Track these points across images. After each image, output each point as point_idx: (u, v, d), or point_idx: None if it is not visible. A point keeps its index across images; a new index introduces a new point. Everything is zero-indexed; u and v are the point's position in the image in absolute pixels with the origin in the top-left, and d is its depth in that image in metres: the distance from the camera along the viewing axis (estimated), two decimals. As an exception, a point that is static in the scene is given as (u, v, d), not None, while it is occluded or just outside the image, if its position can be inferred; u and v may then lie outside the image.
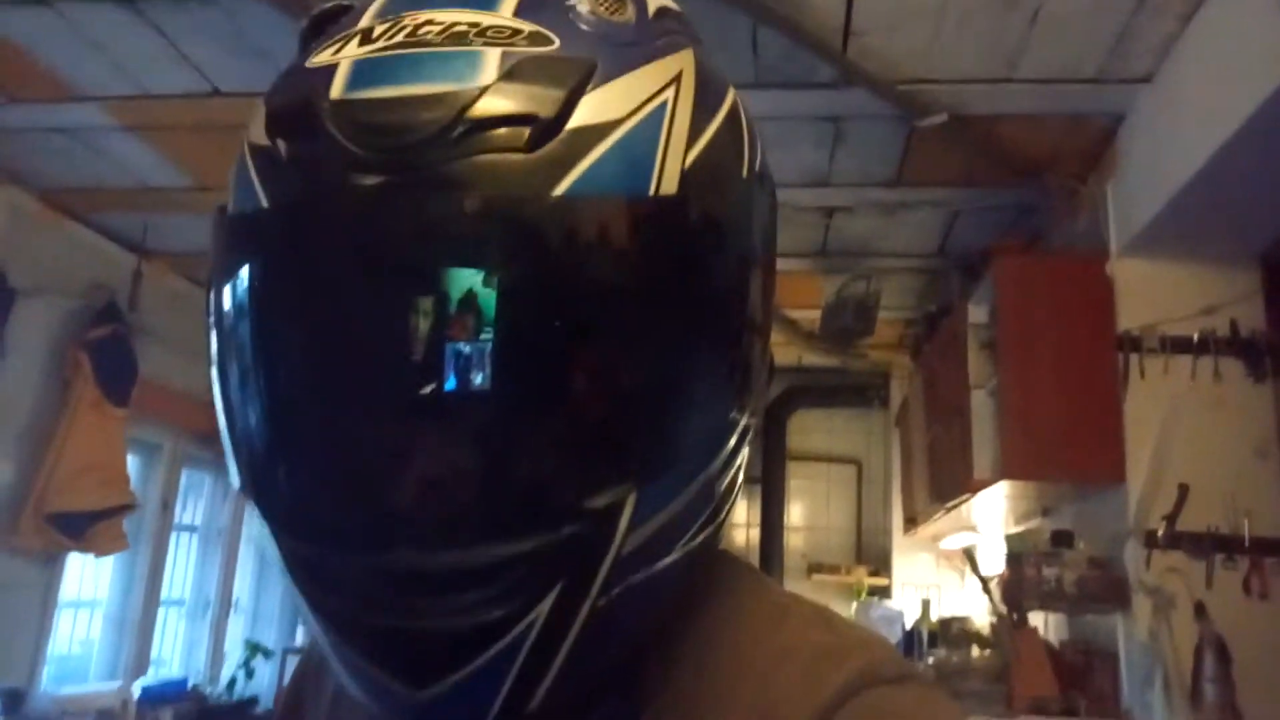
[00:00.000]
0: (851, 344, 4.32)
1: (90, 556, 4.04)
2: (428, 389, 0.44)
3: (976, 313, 3.34)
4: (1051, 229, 3.47)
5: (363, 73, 0.45)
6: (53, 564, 3.91)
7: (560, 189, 0.43)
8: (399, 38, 0.46)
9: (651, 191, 0.46)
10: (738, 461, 0.54)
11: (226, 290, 0.48)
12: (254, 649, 5.21)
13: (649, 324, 0.46)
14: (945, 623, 3.85)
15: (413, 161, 0.43)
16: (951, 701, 0.51)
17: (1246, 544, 2.67)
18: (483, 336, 0.43)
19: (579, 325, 0.45)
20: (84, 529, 3.81)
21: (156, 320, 4.29)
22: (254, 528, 0.50)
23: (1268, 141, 2.21)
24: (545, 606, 0.45)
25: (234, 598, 5.41)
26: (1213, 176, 2.39)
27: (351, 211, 0.44)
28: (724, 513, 0.55)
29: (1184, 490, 2.72)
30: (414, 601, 0.45)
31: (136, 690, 4.29)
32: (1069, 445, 2.92)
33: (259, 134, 0.48)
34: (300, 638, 5.47)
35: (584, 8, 0.50)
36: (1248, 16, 2.13)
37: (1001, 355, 3.09)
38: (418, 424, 0.45)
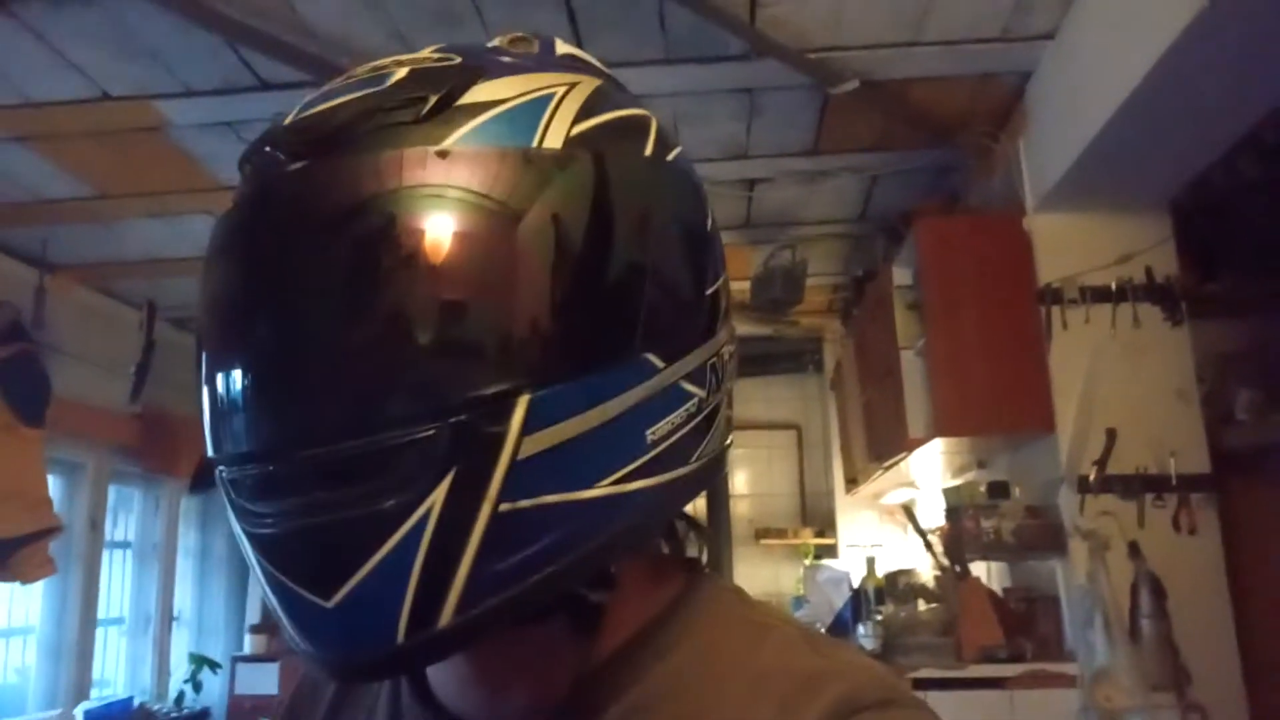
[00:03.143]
0: (783, 312, 4.34)
1: (17, 584, 3.90)
2: (320, 296, 0.49)
3: (900, 275, 3.37)
4: (969, 188, 3.51)
5: (305, 104, 0.54)
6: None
7: (446, 142, 0.50)
8: (338, 82, 0.55)
9: (534, 144, 0.51)
10: (678, 416, 0.54)
11: (202, 282, 0.55)
12: (200, 661, 5.11)
13: (525, 243, 0.49)
14: (891, 578, 3.91)
15: (329, 143, 0.50)
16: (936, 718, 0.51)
17: (1174, 482, 2.76)
18: (365, 250, 0.49)
19: (459, 240, 0.49)
20: (7, 557, 3.68)
21: (67, 335, 4.14)
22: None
23: (1171, 91, 2.25)
24: (439, 496, 0.46)
25: (175, 611, 5.29)
26: (1119, 128, 2.43)
27: (280, 187, 0.52)
28: (671, 475, 0.54)
29: (1112, 435, 2.80)
30: (312, 499, 0.47)
31: (79, 715, 4.18)
32: (998, 399, 2.97)
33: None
34: (249, 646, 5.38)
35: (492, 45, 0.58)
36: (1145, -31, 2.16)
37: (927, 315, 3.12)
38: (316, 325, 0.49)
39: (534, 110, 0.52)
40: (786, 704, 0.50)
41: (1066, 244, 2.94)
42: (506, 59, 0.57)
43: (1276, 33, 2.01)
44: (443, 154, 0.49)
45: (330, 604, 0.47)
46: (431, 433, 0.46)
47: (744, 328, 4.81)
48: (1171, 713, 2.53)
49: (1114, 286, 2.88)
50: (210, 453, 0.53)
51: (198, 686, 5.06)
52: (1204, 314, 2.90)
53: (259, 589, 0.52)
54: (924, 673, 3.05)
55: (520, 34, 0.59)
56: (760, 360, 5.58)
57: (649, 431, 0.53)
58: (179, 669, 5.15)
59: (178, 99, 2.90)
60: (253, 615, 5.50)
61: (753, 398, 5.77)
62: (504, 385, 0.47)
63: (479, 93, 0.52)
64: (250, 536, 0.50)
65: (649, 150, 0.57)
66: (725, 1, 2.47)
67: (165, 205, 3.62)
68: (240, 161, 0.56)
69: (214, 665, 5.17)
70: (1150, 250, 2.89)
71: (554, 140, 0.51)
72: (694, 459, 0.56)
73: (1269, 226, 2.88)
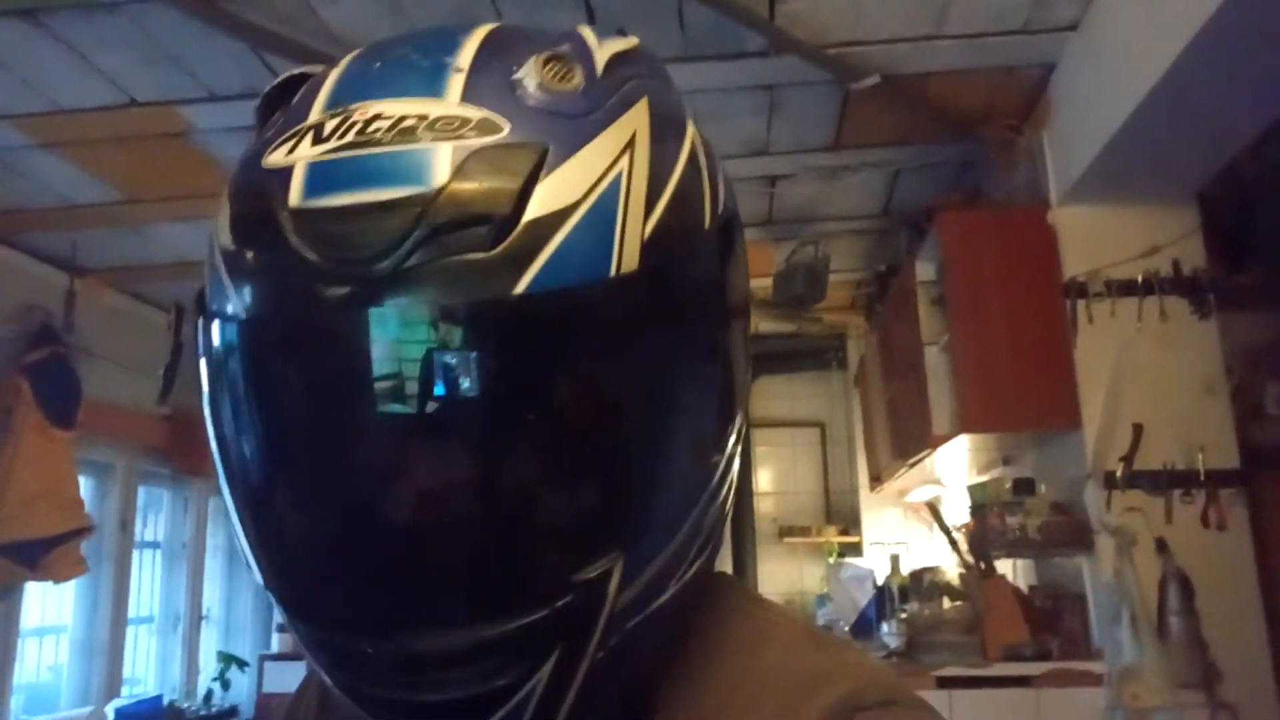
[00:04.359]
0: (805, 309, 4.32)
1: (49, 583, 3.95)
2: (416, 491, 0.46)
3: (924, 270, 3.35)
4: (992, 182, 3.48)
5: (318, 178, 0.46)
6: (10, 594, 3.82)
7: (521, 286, 0.44)
8: (350, 136, 0.46)
9: (613, 272, 0.46)
10: (724, 492, 0.55)
11: (220, 401, 0.50)
12: (228, 660, 5.16)
13: (623, 404, 0.47)
14: (916, 575, 3.89)
15: (374, 271, 0.43)
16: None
17: (1202, 478, 2.72)
18: (463, 438, 0.45)
19: (555, 417, 0.46)
20: (39, 556, 3.72)
21: (96, 338, 4.19)
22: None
23: (1195, 82, 2.22)
24: (544, 673, 0.46)
25: (204, 610, 5.35)
26: (1144, 120, 2.40)
27: (320, 324, 0.45)
28: (715, 539, 0.55)
29: (1138, 430, 2.76)
30: (417, 679, 0.47)
31: (110, 712, 4.23)
32: (1023, 395, 2.95)
33: (226, 237, 0.49)
34: (276, 645, 5.43)
35: (531, 82, 0.49)
36: (1169, -42, 2.14)
37: (951, 310, 3.10)
38: (408, 524, 0.47)
39: (605, 215, 0.46)
40: (788, 702, 0.50)
41: (1092, 237, 2.91)
42: (555, 108, 0.49)
43: (1304, 20, 1.98)
44: (521, 303, 0.44)
45: None
46: (540, 619, 0.46)
47: (766, 325, 4.80)
48: (1200, 711, 2.50)
49: (1140, 279, 2.85)
50: (275, 596, 0.51)
51: (226, 685, 5.11)
52: (1232, 306, 2.86)
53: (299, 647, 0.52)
54: (949, 671, 3.04)
55: (553, 53, 0.50)
56: (783, 357, 5.56)
57: (707, 520, 0.53)
58: (208, 667, 5.20)
59: (202, 104, 2.93)
60: (280, 615, 5.53)
61: (776, 395, 5.75)
62: (606, 559, 0.47)
63: (545, 196, 0.45)
64: (334, 682, 0.50)
65: (708, 216, 0.53)
66: (744, -2, 2.47)
67: (191, 209, 3.66)
68: (240, 227, 0.48)
69: (242, 663, 5.22)
70: (1177, 242, 2.85)
71: (630, 257, 0.46)
72: (728, 512, 0.57)
73: (1299, 217, 2.84)
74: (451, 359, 0.44)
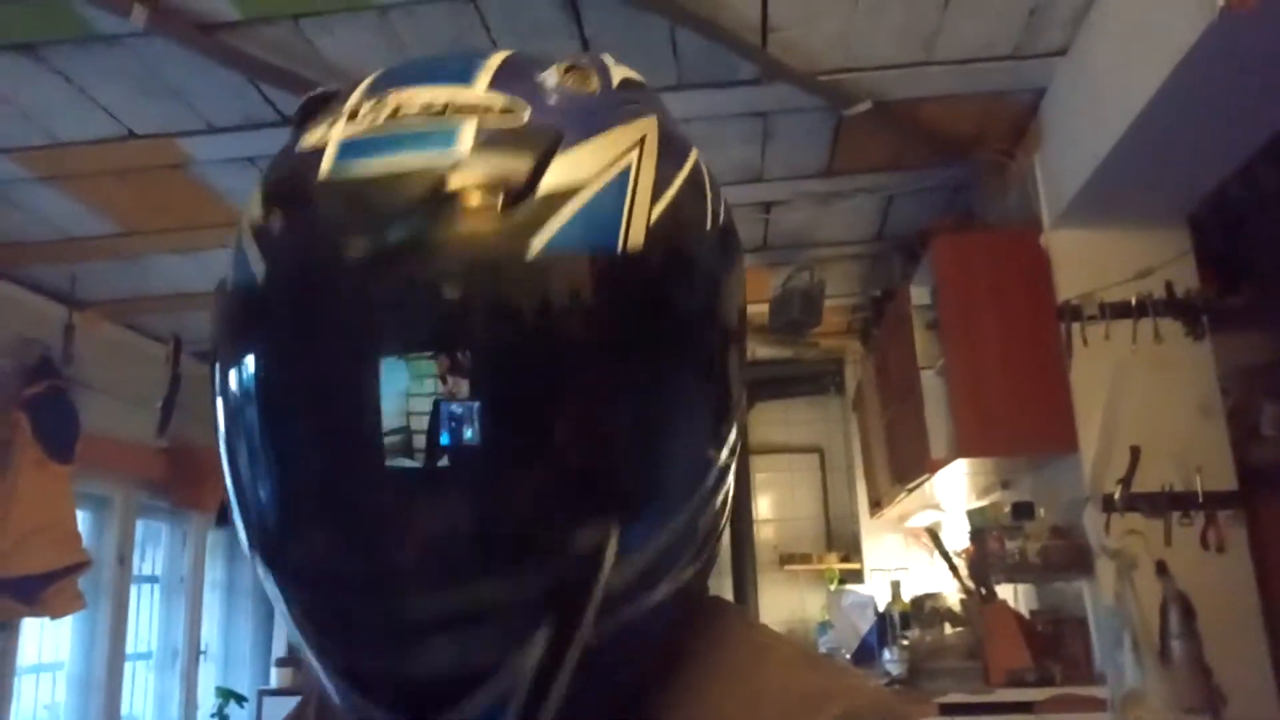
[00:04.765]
0: (801, 334, 4.33)
1: (47, 619, 3.93)
2: (417, 444, 0.46)
3: (919, 294, 3.36)
4: (984, 206, 3.51)
5: (348, 150, 0.49)
6: (7, 630, 3.79)
7: (533, 248, 0.47)
8: (382, 117, 0.50)
9: (620, 247, 0.49)
10: (719, 498, 0.56)
11: (231, 361, 0.51)
12: (227, 695, 5.11)
13: (620, 372, 0.49)
14: (917, 602, 3.86)
15: (396, 230, 0.46)
16: None
17: (1200, 499, 2.72)
18: (467, 392, 0.46)
19: (555, 377, 0.47)
20: (37, 592, 3.70)
21: (95, 371, 4.19)
22: (259, 581, 0.52)
23: (1185, 104, 2.25)
24: (536, 646, 0.46)
25: (203, 645, 5.31)
26: (1135, 142, 2.42)
27: (343, 279, 0.47)
28: (709, 550, 0.56)
29: (1136, 452, 2.76)
30: (411, 644, 0.47)
31: (108, 750, 4.19)
32: (1020, 418, 2.94)
33: (256, 211, 0.52)
34: (275, 680, 5.38)
35: (552, 81, 0.54)
36: (1154, -17, 2.16)
37: (946, 334, 3.11)
38: (410, 477, 0.47)
39: (614, 196, 0.50)
40: None
41: (1085, 260, 2.92)
42: (572, 105, 0.53)
43: (1289, 43, 2.00)
44: (532, 265, 0.46)
45: None
46: (532, 582, 0.47)
47: (763, 350, 4.81)
48: (1205, 735, 2.48)
49: (1134, 302, 2.86)
50: (263, 558, 0.51)
51: (225, 720, 5.06)
52: (1226, 327, 2.87)
53: (284, 622, 0.52)
54: (951, 698, 3.01)
55: (574, 61, 0.56)
56: (781, 383, 5.55)
57: (702, 521, 0.54)
58: (206, 703, 5.15)
59: (200, 136, 2.95)
60: (279, 649, 5.50)
61: (774, 421, 5.74)
62: (600, 528, 0.48)
63: (558, 172, 0.49)
64: (331, 664, 0.49)
65: (709, 218, 0.57)
66: (736, 26, 2.50)
67: (189, 241, 3.68)
68: (272, 197, 0.51)
69: (241, 699, 5.17)
70: (1170, 264, 2.87)
71: (637, 235, 0.50)
72: (724, 524, 0.58)
73: (1290, 237, 2.85)
74: (462, 317, 0.47)
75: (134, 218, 3.52)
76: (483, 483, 0.47)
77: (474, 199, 0.47)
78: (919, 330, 3.34)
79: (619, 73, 0.58)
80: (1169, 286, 2.85)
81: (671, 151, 0.55)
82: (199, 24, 2.42)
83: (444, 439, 0.46)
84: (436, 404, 0.46)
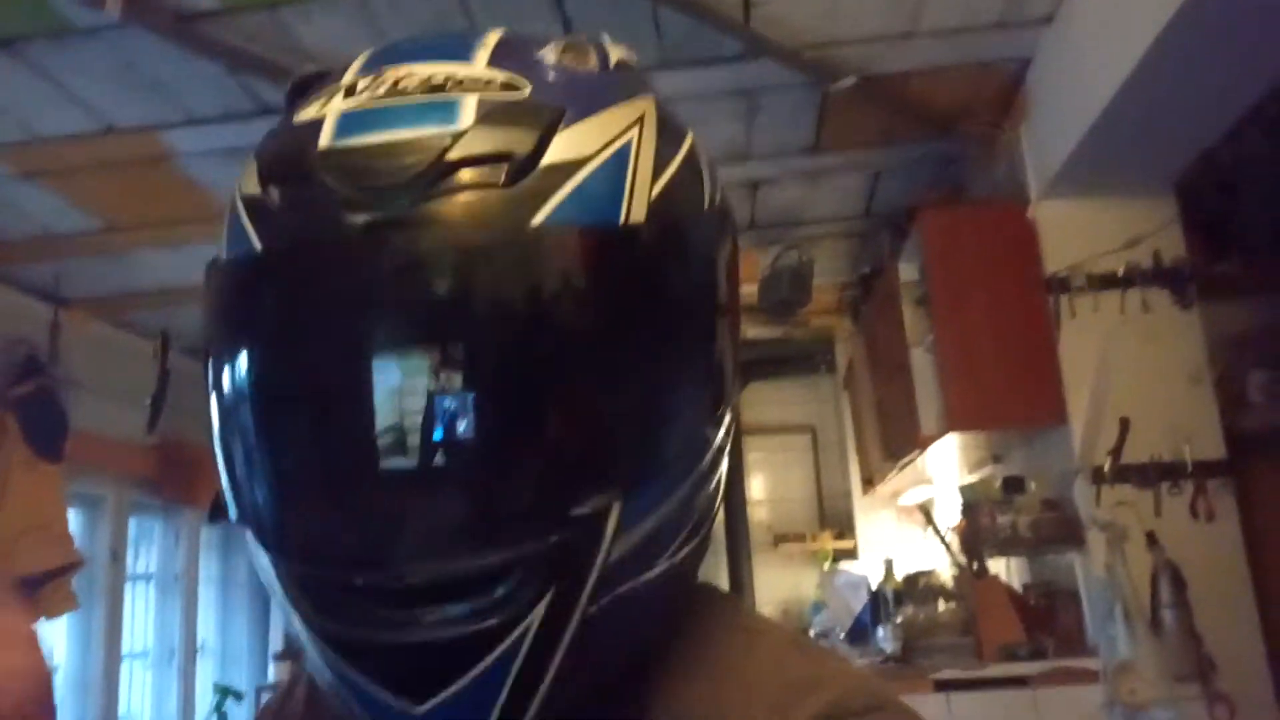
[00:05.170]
0: (791, 314, 4.32)
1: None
2: (424, 415, 0.46)
3: (907, 270, 3.36)
4: (972, 179, 3.50)
5: (348, 123, 0.49)
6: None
7: (537, 220, 0.47)
8: (381, 90, 0.50)
9: (622, 220, 0.49)
10: (715, 478, 0.56)
11: (229, 336, 0.51)
12: (225, 692, 5.11)
13: (624, 343, 0.49)
14: (910, 579, 3.88)
15: (399, 201, 0.46)
16: None
17: (1189, 469, 2.73)
18: (472, 363, 0.47)
19: (559, 347, 0.48)
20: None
21: (83, 369, 4.16)
22: (253, 562, 0.53)
23: (1170, 71, 2.24)
24: (538, 614, 0.47)
25: (199, 642, 5.30)
26: (1120, 111, 2.42)
27: (345, 249, 0.47)
28: (704, 531, 0.57)
29: (1125, 423, 2.77)
30: (411, 614, 0.47)
31: (106, 748, 4.18)
32: (1009, 392, 2.95)
33: (251, 185, 0.51)
34: (273, 675, 5.38)
35: (551, 58, 0.54)
36: (1136, -49, 2.15)
37: (935, 310, 3.11)
38: (412, 443, 0.47)
39: (616, 172, 0.50)
40: (775, 709, 0.51)
41: (1072, 231, 2.93)
42: (572, 83, 0.54)
43: (1275, 4, 2.00)
44: (536, 235, 0.47)
45: (420, 710, 0.47)
46: (535, 550, 0.47)
47: (753, 330, 4.80)
48: (1197, 703, 2.49)
49: (1122, 272, 2.86)
50: (262, 532, 0.51)
51: (223, 717, 5.05)
52: (1214, 296, 2.88)
53: (282, 602, 0.51)
54: (945, 674, 3.03)
55: (573, 41, 0.56)
56: (771, 363, 5.56)
57: (698, 500, 0.55)
58: (204, 700, 5.15)
59: (182, 128, 2.93)
60: (277, 643, 5.50)
61: (766, 401, 5.74)
62: (603, 498, 0.48)
63: (561, 147, 0.49)
64: (328, 638, 0.49)
65: (706, 198, 0.57)
66: (719, 3, 2.48)
67: (174, 235, 3.65)
68: (268, 170, 0.50)
69: (239, 695, 5.17)
70: (1158, 233, 2.87)
71: (638, 210, 0.50)
72: (717, 506, 0.59)
73: (1278, 203, 2.85)
74: (466, 286, 0.47)
75: (118, 213, 3.49)
76: (487, 453, 0.47)
77: (477, 171, 0.47)
78: (908, 306, 3.34)
79: (616, 53, 0.59)
80: (1156, 255, 2.86)
81: (669, 131, 0.55)
82: (177, 14, 2.40)
83: (449, 410, 0.46)
84: (441, 375, 0.46)
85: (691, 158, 0.57)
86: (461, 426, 0.46)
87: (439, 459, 0.47)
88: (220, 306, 0.52)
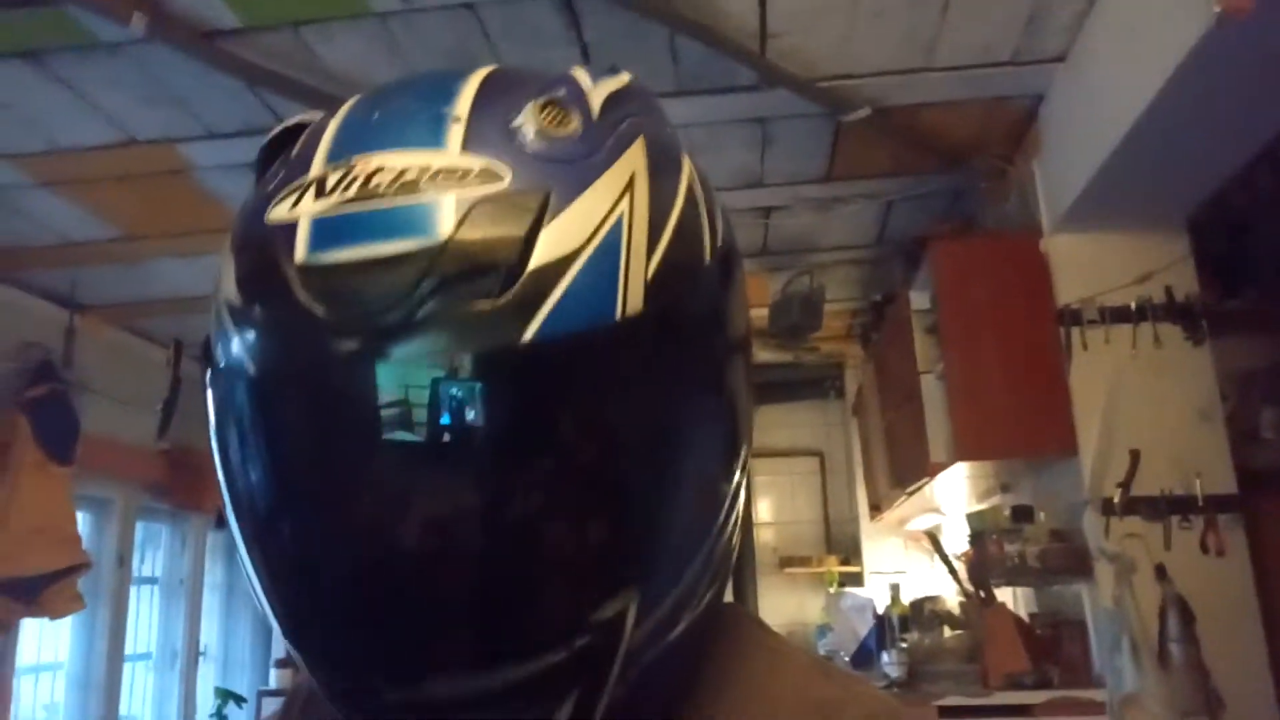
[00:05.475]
0: (801, 339, 4.33)
1: (46, 620, 3.93)
2: (431, 536, 0.46)
3: (918, 299, 3.36)
4: (984, 211, 3.51)
5: (323, 233, 0.46)
6: (6, 631, 3.80)
7: (529, 333, 0.44)
8: (353, 190, 0.47)
9: (618, 315, 0.46)
10: (732, 523, 0.55)
11: (231, 447, 0.51)
12: (226, 696, 5.12)
13: (632, 444, 0.48)
14: (916, 605, 3.87)
15: (384, 323, 0.44)
16: None
17: (1200, 503, 2.72)
18: (477, 485, 0.46)
19: (565, 460, 0.47)
20: (36, 592, 3.70)
21: (96, 374, 4.20)
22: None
23: (1184, 109, 2.25)
24: (566, 711, 0.47)
25: (202, 646, 5.31)
26: (1134, 147, 2.43)
27: (335, 378, 0.46)
28: (725, 572, 0.56)
29: (1135, 456, 2.76)
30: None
31: (107, 751, 4.19)
32: (1019, 422, 2.95)
33: (232, 292, 0.50)
34: (274, 681, 5.38)
35: (530, 129, 0.50)
36: (1152, -10, 2.17)
37: (946, 339, 3.11)
38: (423, 566, 0.47)
39: (607, 260, 0.47)
40: None
41: (1084, 264, 2.93)
42: (553, 155, 0.50)
43: (1286, 49, 2.01)
44: (529, 349, 0.44)
45: None
46: (556, 661, 0.47)
47: (763, 354, 4.81)
48: (1204, 739, 2.48)
49: (1134, 306, 2.86)
50: (293, 642, 0.51)
51: (223, 721, 5.07)
52: (1225, 332, 2.87)
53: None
54: (950, 700, 3.02)
55: (550, 98, 0.51)
56: (781, 387, 5.56)
57: (718, 549, 0.54)
58: (205, 704, 5.16)
59: (201, 142, 2.96)
60: (278, 650, 5.50)
61: (774, 425, 5.74)
62: (621, 598, 0.47)
63: (548, 245, 0.46)
64: None
65: (707, 251, 0.54)
66: (736, 32, 2.50)
67: (190, 245, 3.68)
68: (247, 283, 0.49)
69: (240, 700, 5.17)
70: (1169, 268, 2.87)
71: (635, 298, 0.47)
72: (737, 540, 0.58)
73: (1289, 242, 2.86)
74: (463, 409, 0.45)
75: (135, 222, 3.52)
76: (500, 576, 0.47)
77: (465, 287, 0.45)
78: (919, 335, 3.34)
79: (599, 94, 0.53)
80: (1168, 291, 2.86)
81: (664, 176, 0.52)
82: (200, 31, 2.43)
83: (452, 535, 0.46)
84: (447, 498, 0.46)
85: (690, 202, 0.54)
86: (470, 548, 0.46)
87: (450, 582, 0.47)
88: (219, 414, 0.51)
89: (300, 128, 0.55)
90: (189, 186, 3.23)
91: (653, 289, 0.48)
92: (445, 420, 0.45)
